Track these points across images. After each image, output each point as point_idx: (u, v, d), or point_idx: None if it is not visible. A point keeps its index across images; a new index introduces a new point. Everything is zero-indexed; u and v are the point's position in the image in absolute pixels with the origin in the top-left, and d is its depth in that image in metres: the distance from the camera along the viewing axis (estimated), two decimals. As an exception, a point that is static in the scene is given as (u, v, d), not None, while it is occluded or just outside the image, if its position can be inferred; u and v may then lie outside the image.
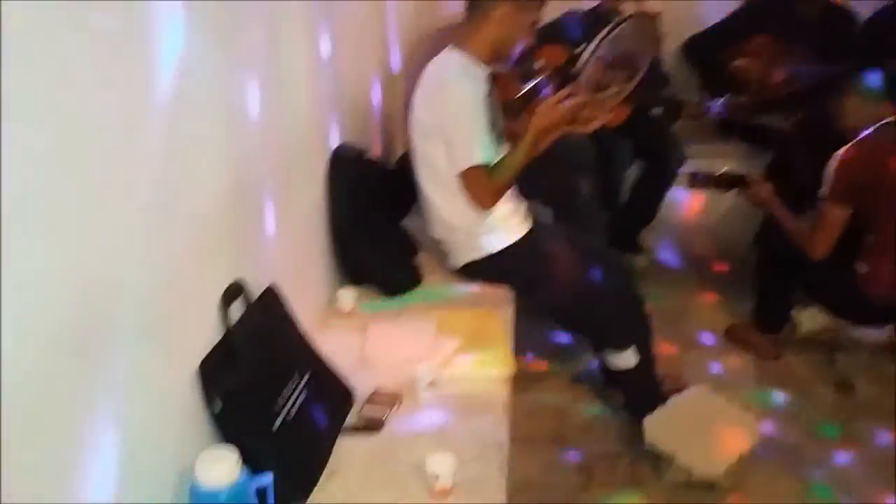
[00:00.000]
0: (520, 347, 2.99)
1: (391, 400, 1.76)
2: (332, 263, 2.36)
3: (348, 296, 2.23)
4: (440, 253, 2.50)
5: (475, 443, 1.62)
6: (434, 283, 2.45)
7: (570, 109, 2.24)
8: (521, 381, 2.88)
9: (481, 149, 2.22)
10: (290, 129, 2.01)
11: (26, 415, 0.96)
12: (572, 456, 2.52)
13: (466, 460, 1.55)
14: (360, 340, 2.05)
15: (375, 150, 2.91)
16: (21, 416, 0.94)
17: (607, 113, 2.39)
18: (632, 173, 3.68)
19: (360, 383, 1.82)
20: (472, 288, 2.41)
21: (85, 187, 1.09)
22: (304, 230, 2.15)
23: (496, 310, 2.24)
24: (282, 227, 1.92)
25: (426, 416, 1.73)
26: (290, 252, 2.01)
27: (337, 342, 2.04)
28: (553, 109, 2.23)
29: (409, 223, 2.66)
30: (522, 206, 2.50)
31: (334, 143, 2.37)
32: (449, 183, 2.30)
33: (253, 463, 1.38)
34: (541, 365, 3.01)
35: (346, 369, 1.87)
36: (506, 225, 2.39)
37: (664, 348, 3.05)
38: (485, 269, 2.41)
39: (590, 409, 2.73)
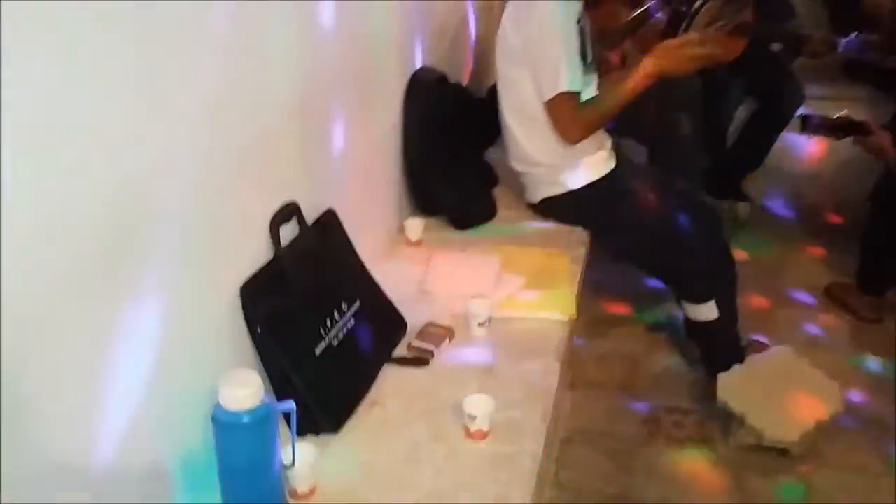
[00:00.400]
0: (599, 290, 2.94)
1: (443, 334, 1.72)
2: (404, 191, 2.32)
3: (416, 226, 2.19)
4: (519, 186, 2.42)
5: (522, 386, 1.57)
6: (508, 219, 2.38)
7: (695, 56, 2.07)
8: (597, 326, 2.81)
9: (570, 75, 2.08)
10: (366, 45, 1.95)
11: (48, 330, 0.96)
12: (639, 407, 2.43)
13: (510, 403, 1.51)
14: (422, 272, 2.02)
15: (465, 77, 2.82)
16: (42, 332, 0.95)
17: (718, 47, 2.21)
18: (742, 113, 3.45)
19: (416, 315, 1.79)
20: (547, 226, 2.32)
21: (127, 88, 1.06)
22: (374, 154, 2.11)
23: (567, 251, 2.15)
24: (350, 149, 1.89)
25: (476, 354, 1.69)
26: (358, 176, 1.98)
27: (399, 272, 2.01)
28: (676, 53, 2.07)
29: (493, 154, 2.58)
30: (609, 143, 2.37)
31: (416, 65, 2.30)
32: (532, 113, 2.20)
33: (288, 387, 1.40)
34: (619, 309, 2.92)
35: (404, 300, 1.84)
36: (589, 161, 2.28)
37: (757, 302, 2.91)
38: (562, 207, 2.31)
39: (665, 359, 2.62)
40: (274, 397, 1.39)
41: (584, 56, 2.15)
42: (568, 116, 2.12)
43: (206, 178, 1.29)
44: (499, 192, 2.51)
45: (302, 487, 1.28)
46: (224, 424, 1.12)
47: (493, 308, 1.80)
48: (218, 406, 1.12)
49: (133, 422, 1.12)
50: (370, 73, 1.99)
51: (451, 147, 2.34)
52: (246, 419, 1.12)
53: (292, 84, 1.56)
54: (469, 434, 1.42)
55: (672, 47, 2.08)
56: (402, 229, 2.22)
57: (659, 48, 2.08)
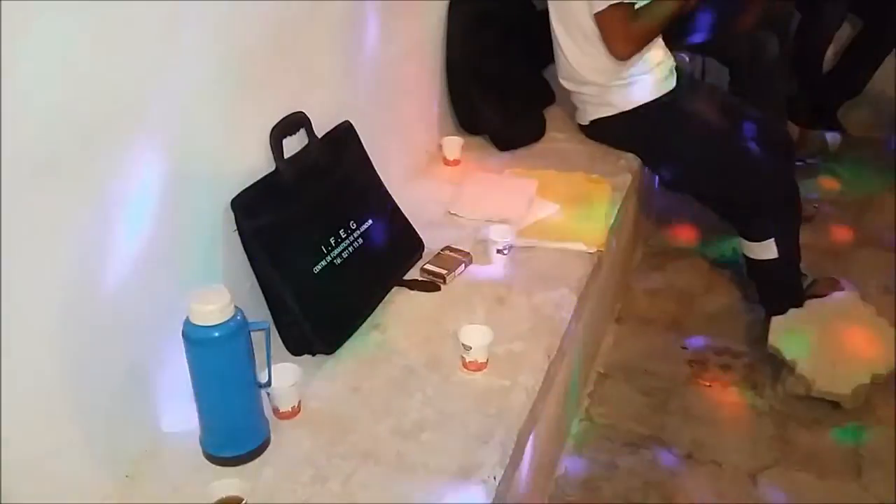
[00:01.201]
0: (662, 219, 2.79)
1: (460, 259, 1.65)
2: (445, 106, 2.21)
3: (454, 144, 2.09)
4: (571, 106, 2.27)
5: (531, 318, 1.49)
6: (556, 141, 2.25)
7: None
8: (655, 258, 2.68)
9: None
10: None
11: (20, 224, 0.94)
12: (687, 345, 2.31)
13: (515, 336, 1.44)
14: (452, 192, 1.93)
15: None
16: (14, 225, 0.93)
17: None
18: (842, 34, 3.13)
19: (437, 238, 1.72)
20: (595, 149, 2.18)
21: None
22: (410, 63, 2.00)
23: (612, 177, 2.02)
24: (379, 57, 1.80)
25: (490, 282, 1.61)
26: (389, 87, 1.89)
27: (428, 191, 1.95)
28: None
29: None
30: (670, 61, 2.18)
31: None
32: (581, 26, 2.04)
33: (282, 305, 1.37)
34: (682, 241, 2.77)
35: (428, 221, 1.78)
36: (643, 80, 2.11)
37: (838, 238, 2.70)
38: (614, 129, 2.16)
39: (722, 298, 2.48)
40: (270, 316, 1.39)
41: None
42: (619, 30, 1.95)
43: (203, 80, 1.23)
44: (552, 112, 2.37)
45: (284, 406, 1.26)
46: (193, 340, 1.10)
47: (516, 235, 1.71)
48: (187, 321, 1.10)
49: (111, 329, 1.11)
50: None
51: (500, 60, 2.21)
52: (215, 334, 1.10)
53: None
54: (464, 365, 1.36)
55: None
56: (440, 147, 2.12)
57: None
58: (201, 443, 1.18)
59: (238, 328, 1.12)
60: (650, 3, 1.99)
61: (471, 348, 1.34)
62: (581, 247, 1.70)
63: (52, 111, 0.97)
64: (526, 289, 1.58)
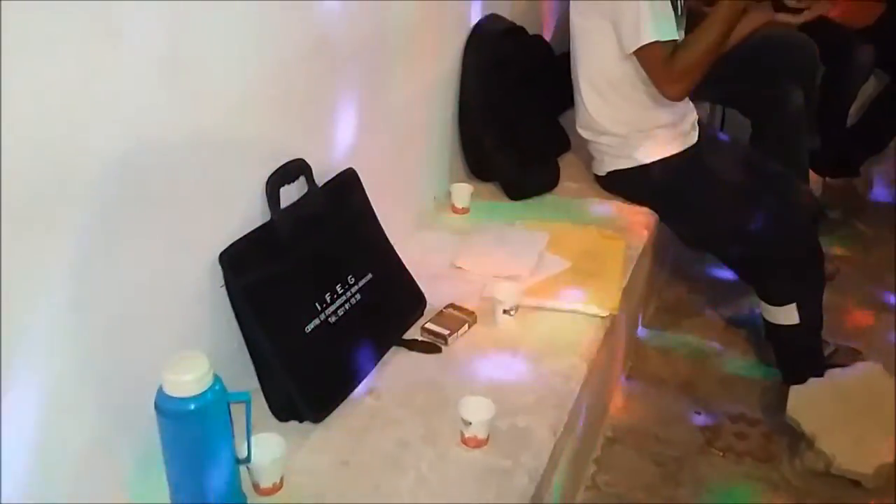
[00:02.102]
0: (676, 273, 2.69)
1: (463, 319, 1.55)
2: (456, 153, 2.13)
3: (463, 191, 2.00)
4: (587, 155, 2.19)
5: (538, 389, 1.39)
6: (569, 192, 2.16)
7: None
8: (667, 314, 2.57)
9: (655, 21, 1.82)
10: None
11: None
12: (700, 409, 2.20)
13: (519, 409, 1.33)
14: (458, 244, 1.84)
15: (547, 30, 2.57)
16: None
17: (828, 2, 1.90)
18: (869, 88, 3.05)
19: (441, 293, 1.63)
20: (611, 203, 2.09)
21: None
22: (422, 107, 1.93)
23: (627, 234, 1.92)
24: (390, 99, 1.73)
25: (495, 346, 1.51)
26: (398, 133, 1.81)
27: (433, 241, 1.86)
28: None
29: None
30: (693, 115, 2.09)
31: (480, 12, 2.08)
32: (607, 74, 1.96)
33: (268, 368, 1.27)
34: (696, 298, 2.67)
35: (432, 275, 1.69)
36: (664, 133, 2.02)
37: (856, 303, 2.59)
38: (630, 182, 2.07)
39: (738, 360, 2.37)
40: (257, 379, 1.29)
41: (673, 8, 1.88)
42: (660, 69, 1.85)
43: (196, 125, 1.15)
44: (567, 160, 2.29)
45: (265, 482, 1.16)
46: (166, 412, 1.00)
47: (524, 294, 1.61)
48: (160, 391, 1.00)
49: (78, 392, 1.02)
50: (419, 15, 1.80)
51: (515, 105, 2.12)
52: (191, 406, 1.00)
53: (313, 15, 1.39)
54: (463, 440, 1.25)
55: None
56: (449, 194, 2.04)
57: None
58: (171, 521, 1.08)
59: (216, 400, 1.02)
60: (686, 38, 1.90)
61: (471, 423, 1.23)
62: (593, 310, 1.60)
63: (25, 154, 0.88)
64: (533, 355, 1.48)
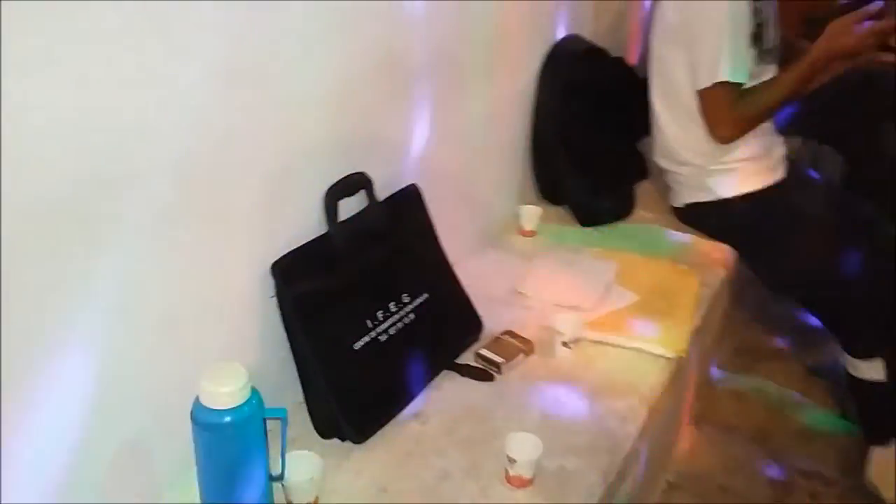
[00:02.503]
0: (756, 314, 2.56)
1: (520, 347, 1.49)
2: (527, 173, 2.07)
3: (531, 214, 1.94)
4: (665, 184, 2.10)
5: (592, 430, 1.31)
6: (644, 221, 2.07)
7: (871, 33, 1.68)
8: (745, 357, 2.44)
9: (733, 63, 1.75)
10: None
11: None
12: (772, 463, 2.07)
13: (569, 449, 1.26)
14: (522, 268, 1.78)
15: (632, 54, 2.49)
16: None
17: None
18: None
19: (499, 319, 1.57)
20: (687, 236, 1.99)
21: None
22: (494, 126, 1.88)
23: (702, 270, 1.82)
24: (460, 117, 1.69)
25: (550, 379, 1.44)
26: (469, 150, 1.77)
27: (498, 263, 1.80)
28: (847, 30, 1.70)
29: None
30: (781, 149, 1.98)
31: (561, 32, 2.03)
32: (683, 102, 1.88)
33: (314, 383, 1.24)
34: (776, 342, 2.53)
35: (492, 299, 1.63)
36: (748, 167, 1.92)
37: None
38: (708, 217, 1.97)
39: (816, 412, 2.23)
40: (302, 394, 1.26)
41: (758, 40, 1.79)
42: (722, 111, 1.79)
43: (255, 134, 1.14)
44: (644, 188, 2.20)
45: (298, 501, 1.12)
46: (201, 423, 0.98)
47: (586, 326, 1.53)
48: (197, 401, 0.98)
49: (118, 394, 1.01)
50: (501, 31, 1.75)
51: (591, 130, 2.05)
52: (226, 419, 0.97)
53: (381, 28, 1.37)
54: (507, 478, 1.19)
55: (843, 23, 1.72)
56: (518, 216, 1.98)
57: (831, 25, 1.73)
58: (201, 531, 1.06)
59: (251, 414, 0.99)
60: (759, 84, 1.82)
61: (516, 461, 1.17)
62: (659, 350, 1.51)
63: (66, 154, 0.87)
64: (589, 393, 1.40)
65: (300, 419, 1.27)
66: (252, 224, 1.18)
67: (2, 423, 0.87)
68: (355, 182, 1.33)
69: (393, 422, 1.31)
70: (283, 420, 1.03)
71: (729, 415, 2.24)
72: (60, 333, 0.92)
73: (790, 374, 2.38)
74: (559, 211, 2.07)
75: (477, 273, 1.72)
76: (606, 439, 1.30)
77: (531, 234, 1.95)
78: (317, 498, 1.14)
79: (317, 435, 1.27)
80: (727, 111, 1.79)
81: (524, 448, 1.18)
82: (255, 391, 1.01)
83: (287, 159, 1.22)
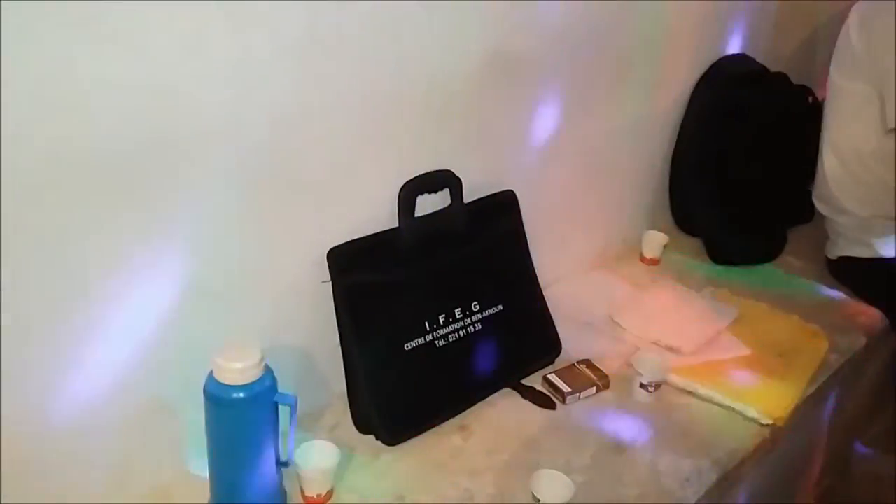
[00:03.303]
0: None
1: (594, 380, 1.38)
2: (662, 197, 1.92)
3: (654, 240, 1.80)
4: (824, 232, 1.87)
5: (645, 485, 1.19)
6: (790, 268, 1.86)
7: None
8: (893, 439, 2.13)
9: None
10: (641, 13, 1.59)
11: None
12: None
13: (612, 499, 1.15)
14: (629, 297, 1.65)
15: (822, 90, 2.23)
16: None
17: None
18: None
19: (585, 344, 1.48)
20: (835, 294, 1.76)
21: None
22: (629, 142, 1.76)
23: (840, 334, 1.60)
24: (593, 129, 1.62)
25: (619, 421, 1.32)
26: (598, 164, 1.68)
27: (604, 286, 1.70)
28: None
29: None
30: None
31: (731, 48, 1.86)
32: (855, 142, 1.65)
33: (354, 374, 1.22)
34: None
35: (585, 321, 1.55)
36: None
37: None
38: (863, 275, 1.74)
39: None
40: (345, 386, 1.25)
41: None
42: None
43: (337, 117, 1.14)
44: (803, 233, 1.97)
45: (309, 491, 1.10)
46: (211, 397, 0.98)
47: (677, 372, 1.39)
48: (210, 375, 0.99)
49: (159, 353, 1.04)
50: (656, 39, 1.65)
51: (742, 160, 1.86)
52: (233, 395, 0.97)
53: (496, 28, 1.31)
54: (530, 515, 1.10)
55: None
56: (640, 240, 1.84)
57: None
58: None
59: (261, 394, 0.99)
60: None
61: (539, 501, 1.08)
62: (752, 413, 1.34)
63: (122, 116, 0.91)
64: (657, 444, 1.27)
65: (346, 408, 1.26)
66: (318, 207, 1.18)
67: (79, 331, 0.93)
68: (438, 179, 1.28)
69: (434, 430, 1.26)
70: (293, 407, 1.02)
71: (861, 497, 1.97)
72: (113, 294, 0.97)
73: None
74: (693, 243, 1.90)
75: (577, 294, 1.64)
76: (658, 498, 1.17)
77: (653, 262, 1.81)
78: (330, 491, 1.12)
79: (354, 429, 1.25)
80: None
81: (552, 489, 1.09)
82: (269, 372, 1.00)
83: (364, 145, 1.20)
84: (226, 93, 0.99)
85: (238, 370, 0.97)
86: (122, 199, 0.94)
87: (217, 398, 0.98)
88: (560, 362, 1.43)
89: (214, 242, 1.06)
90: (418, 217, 1.27)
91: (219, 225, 1.06)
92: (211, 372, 0.99)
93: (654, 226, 1.86)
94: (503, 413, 1.32)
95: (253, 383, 0.98)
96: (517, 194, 1.43)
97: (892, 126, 1.58)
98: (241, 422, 1.00)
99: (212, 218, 1.04)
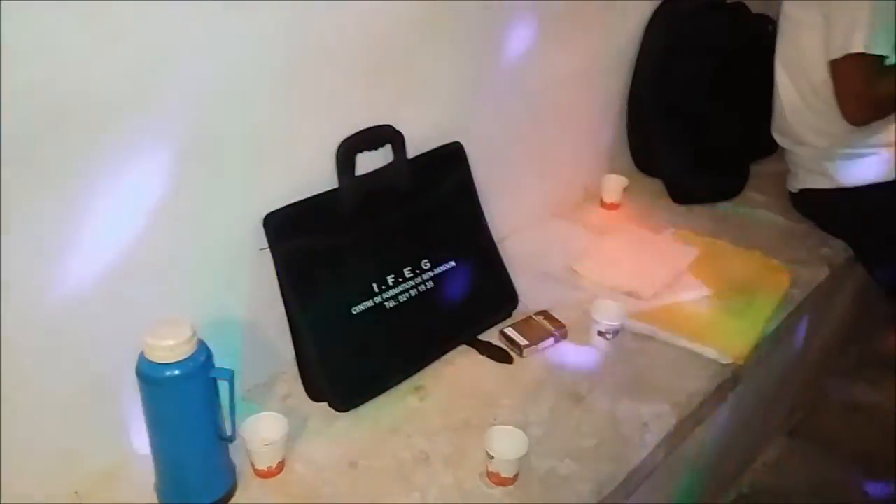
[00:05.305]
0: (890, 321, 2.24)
1: (551, 331, 1.35)
2: (622, 140, 1.88)
3: (613, 184, 1.77)
4: (786, 165, 1.84)
5: (602, 433, 1.17)
6: (751, 203, 1.83)
7: None
8: (874, 369, 2.15)
9: (873, 31, 1.47)
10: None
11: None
12: (872, 487, 1.82)
13: (572, 452, 1.13)
14: (587, 243, 1.62)
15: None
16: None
17: None
18: None
19: (543, 295, 1.45)
20: (797, 226, 1.74)
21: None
22: (584, 85, 1.71)
23: (802, 268, 1.58)
24: (543, 75, 1.56)
25: (577, 370, 1.30)
26: (551, 110, 1.63)
27: (563, 235, 1.67)
28: None
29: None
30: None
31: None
32: (810, 75, 1.62)
33: (299, 342, 1.19)
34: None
35: (543, 272, 1.52)
36: (880, 155, 1.63)
37: None
38: (824, 206, 1.72)
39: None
40: (294, 356, 1.22)
41: None
42: (855, 87, 1.51)
43: (260, 73, 1.08)
44: (765, 168, 1.94)
45: (259, 465, 1.08)
46: (145, 378, 0.95)
47: (637, 317, 1.37)
48: (141, 356, 0.95)
49: (80, 335, 1.01)
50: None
51: (707, 97, 1.82)
52: (167, 373, 0.94)
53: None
54: (487, 473, 1.09)
55: None
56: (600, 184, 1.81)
57: None
58: (154, 486, 1.05)
59: (196, 370, 0.95)
60: None
61: (493, 458, 1.06)
62: (712, 353, 1.32)
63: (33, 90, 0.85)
64: (614, 391, 1.25)
65: (298, 377, 1.23)
66: (250, 172, 1.13)
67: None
68: (377, 135, 1.24)
69: (389, 393, 1.24)
70: (230, 381, 0.99)
71: (834, 431, 1.98)
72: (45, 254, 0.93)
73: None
74: (655, 184, 1.87)
75: (534, 245, 1.61)
76: (617, 447, 1.15)
77: (614, 207, 1.77)
78: (282, 462, 1.09)
79: (306, 398, 1.22)
80: (860, 87, 1.51)
81: (506, 445, 1.07)
82: (203, 347, 0.97)
83: (295, 104, 1.15)
84: (137, 58, 0.94)
85: (169, 347, 0.93)
86: (34, 180, 0.89)
87: (149, 378, 0.95)
88: (517, 315, 1.41)
89: (141, 218, 1.02)
90: (360, 176, 1.23)
91: (143, 199, 1.01)
92: (142, 352, 0.95)
93: (614, 169, 1.82)
94: (460, 371, 1.30)
95: (186, 360, 0.95)
96: (465, 146, 1.39)
97: (831, 57, 1.53)
98: (177, 400, 0.97)
99: (135, 192, 1.00)
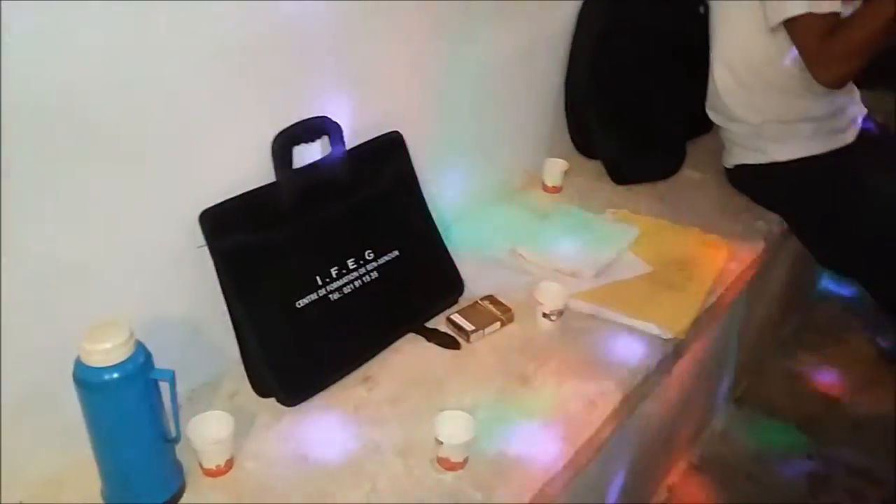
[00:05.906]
0: (831, 292, 2.33)
1: (497, 315, 1.37)
2: (560, 124, 1.90)
3: (554, 167, 1.79)
4: (721, 142, 1.88)
5: (549, 412, 1.19)
6: (688, 183, 1.87)
7: None
8: (812, 336, 2.23)
9: None
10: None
11: None
12: (814, 454, 1.88)
13: (515, 433, 1.15)
14: (530, 227, 1.64)
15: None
16: None
17: None
18: None
19: (489, 280, 1.46)
20: (733, 203, 1.78)
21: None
22: (521, 69, 1.72)
23: (739, 243, 1.62)
24: (479, 59, 1.56)
25: (524, 352, 1.31)
26: (489, 95, 1.64)
27: (504, 221, 1.67)
28: None
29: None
30: (853, 110, 1.72)
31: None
32: (743, 49, 1.66)
33: (242, 338, 1.18)
34: (847, 323, 2.29)
35: (488, 257, 1.54)
36: (810, 128, 1.68)
37: None
38: (758, 181, 1.76)
39: (879, 403, 2.01)
40: (240, 354, 1.21)
41: None
42: (814, 47, 1.52)
43: (198, 77, 1.07)
44: (701, 145, 1.98)
45: (207, 464, 1.07)
46: (81, 383, 0.93)
47: (580, 297, 1.39)
48: (77, 360, 0.93)
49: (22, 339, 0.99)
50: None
51: (643, 78, 1.84)
52: (105, 377, 0.93)
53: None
54: (438, 458, 1.10)
55: None
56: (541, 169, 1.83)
57: None
58: (100, 491, 1.03)
59: (134, 373, 0.94)
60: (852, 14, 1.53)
61: (442, 443, 1.07)
62: (653, 330, 1.35)
63: None
64: (560, 371, 1.27)
65: (244, 374, 1.22)
66: (184, 169, 1.11)
67: None
68: (313, 126, 1.23)
69: (337, 385, 1.24)
70: (171, 382, 0.97)
71: (777, 398, 2.05)
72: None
73: (859, 359, 2.16)
74: (595, 166, 1.89)
75: (479, 230, 1.62)
76: (565, 426, 1.17)
77: (554, 190, 1.79)
78: (230, 460, 1.09)
79: (254, 394, 1.21)
80: (819, 47, 1.51)
81: (454, 429, 1.08)
82: (141, 348, 0.95)
83: (224, 99, 1.13)
84: (46, 55, 0.91)
85: (105, 351, 0.92)
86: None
87: (86, 383, 0.93)
88: (464, 301, 1.42)
89: (72, 220, 1.00)
90: (297, 169, 1.23)
91: (73, 201, 0.99)
92: (78, 356, 0.93)
93: (554, 153, 1.83)
94: (408, 359, 1.30)
95: (124, 363, 0.93)
96: (405, 134, 1.39)
97: (773, 24, 1.56)
98: (117, 404, 0.95)
99: (64, 194, 0.98)
